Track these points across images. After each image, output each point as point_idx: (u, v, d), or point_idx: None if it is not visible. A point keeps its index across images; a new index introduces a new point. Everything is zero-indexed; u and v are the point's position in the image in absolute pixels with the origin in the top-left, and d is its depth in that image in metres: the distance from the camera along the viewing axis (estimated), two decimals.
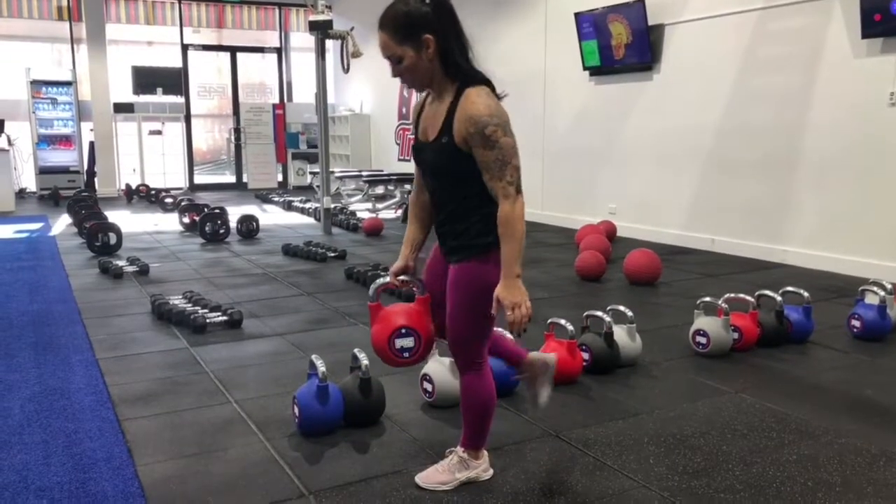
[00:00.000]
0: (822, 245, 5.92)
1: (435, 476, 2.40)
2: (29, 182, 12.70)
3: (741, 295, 3.89)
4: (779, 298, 3.89)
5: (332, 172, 10.74)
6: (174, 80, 13.33)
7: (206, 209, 8.25)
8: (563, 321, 3.35)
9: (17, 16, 12.58)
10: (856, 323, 4.04)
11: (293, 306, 4.91)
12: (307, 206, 10.19)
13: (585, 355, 3.47)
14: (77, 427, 2.88)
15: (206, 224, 7.74)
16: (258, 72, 15.10)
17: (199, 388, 3.35)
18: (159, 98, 13.10)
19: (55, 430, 2.85)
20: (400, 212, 9.83)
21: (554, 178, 8.85)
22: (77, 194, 10.44)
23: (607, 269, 5.71)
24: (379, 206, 10.36)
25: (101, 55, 12.40)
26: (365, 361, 2.89)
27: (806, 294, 3.96)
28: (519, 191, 2.07)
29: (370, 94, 13.42)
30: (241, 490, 2.39)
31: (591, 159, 8.22)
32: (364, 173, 11.02)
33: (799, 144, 6.04)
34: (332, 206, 9.32)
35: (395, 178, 10.51)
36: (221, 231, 7.76)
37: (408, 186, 10.21)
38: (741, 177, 6.56)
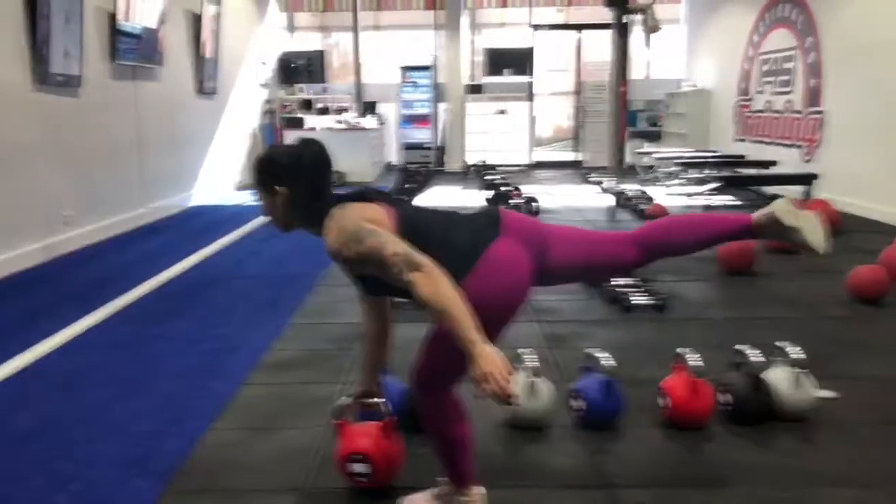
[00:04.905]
0: None
1: (417, 503, 2.22)
2: (395, 157, 14.53)
3: None
4: None
5: (649, 153, 10.24)
6: (523, 61, 13.89)
7: (499, 188, 8.53)
8: (691, 355, 2.77)
9: (395, 8, 14.38)
10: None
11: None
12: (609, 186, 9.80)
13: (728, 398, 2.82)
14: (203, 384, 3.28)
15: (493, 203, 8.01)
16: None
17: (332, 364, 3.54)
18: (506, 79, 13.79)
19: (184, 385, 3.27)
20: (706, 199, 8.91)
21: None
22: (418, 168, 11.64)
23: (892, 289, 4.47)
24: (694, 189, 9.51)
25: (456, 40, 13.49)
26: None
27: None
28: (413, 268, 1.81)
29: (713, 69, 12.31)
30: (261, 472, 2.51)
31: None
32: (685, 154, 10.22)
33: None
34: (631, 189, 8.89)
35: (713, 160, 9.54)
36: None
37: (737, 171, 9.19)
38: None
